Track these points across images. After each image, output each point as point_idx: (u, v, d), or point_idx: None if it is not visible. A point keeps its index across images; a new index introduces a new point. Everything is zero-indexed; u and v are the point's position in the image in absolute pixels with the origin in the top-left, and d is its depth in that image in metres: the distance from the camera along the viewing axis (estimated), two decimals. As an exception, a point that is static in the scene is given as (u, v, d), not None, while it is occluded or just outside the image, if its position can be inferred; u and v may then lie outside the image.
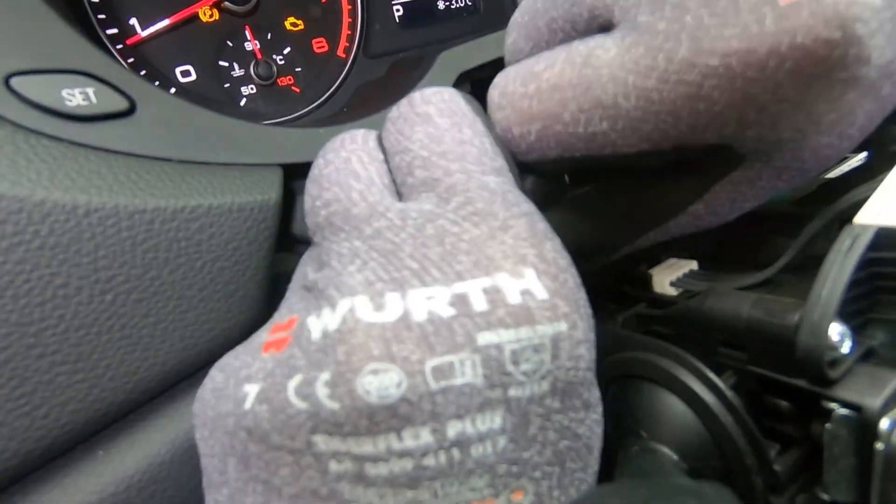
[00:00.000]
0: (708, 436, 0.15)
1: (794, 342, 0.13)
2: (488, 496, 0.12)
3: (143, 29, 0.30)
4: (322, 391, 0.11)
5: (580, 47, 0.14)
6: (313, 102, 0.36)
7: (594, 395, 0.13)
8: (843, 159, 0.30)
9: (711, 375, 0.15)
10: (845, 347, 0.13)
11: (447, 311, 0.11)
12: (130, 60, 0.30)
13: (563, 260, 0.13)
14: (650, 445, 0.15)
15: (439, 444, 0.11)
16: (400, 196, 0.15)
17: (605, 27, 0.14)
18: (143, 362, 0.16)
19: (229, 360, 0.14)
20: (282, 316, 0.14)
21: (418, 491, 0.11)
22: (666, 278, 0.19)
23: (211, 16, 0.32)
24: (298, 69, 0.35)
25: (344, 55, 0.37)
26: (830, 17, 0.11)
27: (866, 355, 0.13)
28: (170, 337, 0.16)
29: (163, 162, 0.17)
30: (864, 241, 0.13)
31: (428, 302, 0.11)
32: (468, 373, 0.11)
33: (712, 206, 0.16)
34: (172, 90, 0.31)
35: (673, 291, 0.19)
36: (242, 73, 0.33)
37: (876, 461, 0.12)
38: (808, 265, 0.16)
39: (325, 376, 0.11)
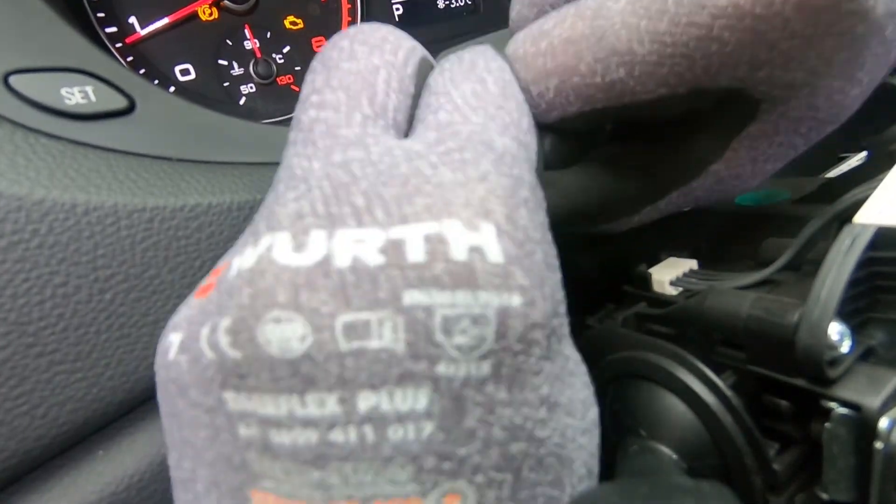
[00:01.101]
0: (707, 435, 0.15)
1: (794, 341, 0.13)
2: (413, 493, 0.10)
3: (142, 27, 0.30)
4: (224, 339, 0.10)
5: (588, 2, 0.14)
6: (313, 101, 0.36)
7: (567, 394, 0.11)
8: (843, 159, 0.30)
9: (711, 375, 0.15)
10: (845, 347, 0.13)
11: (375, 259, 0.10)
12: (130, 59, 0.30)
13: (539, 234, 0.11)
14: (649, 444, 0.15)
15: (348, 418, 0.09)
16: (406, 133, 0.13)
17: None
18: (143, 361, 0.16)
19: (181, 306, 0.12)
20: (225, 258, 0.12)
21: (325, 472, 0.10)
22: (666, 277, 0.19)
23: (210, 14, 0.32)
24: (298, 68, 0.35)
25: (343, 54, 0.37)
26: None
27: (865, 354, 0.13)
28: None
29: (162, 161, 0.17)
30: (864, 240, 0.13)
31: (356, 245, 0.10)
32: (387, 336, 0.09)
33: (733, 166, 0.16)
34: (172, 88, 0.31)
35: (673, 291, 0.19)
36: (242, 72, 0.33)
37: (875, 460, 0.12)
38: (808, 264, 0.16)
39: (226, 322, 0.10)
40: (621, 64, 0.13)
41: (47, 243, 0.14)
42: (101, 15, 0.29)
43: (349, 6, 0.37)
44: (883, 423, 0.12)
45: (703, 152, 0.16)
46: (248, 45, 0.33)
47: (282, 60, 0.35)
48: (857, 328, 0.13)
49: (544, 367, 0.10)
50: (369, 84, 0.13)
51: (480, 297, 0.10)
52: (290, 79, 0.35)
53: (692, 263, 0.20)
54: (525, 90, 0.15)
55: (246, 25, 0.33)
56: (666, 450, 0.15)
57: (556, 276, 0.11)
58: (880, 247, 0.13)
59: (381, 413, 0.09)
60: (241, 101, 0.34)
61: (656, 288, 0.19)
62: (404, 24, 0.39)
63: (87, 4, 0.28)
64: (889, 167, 0.16)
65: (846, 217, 0.15)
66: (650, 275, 0.19)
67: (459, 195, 0.10)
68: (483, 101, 0.13)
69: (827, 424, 0.12)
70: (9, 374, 0.14)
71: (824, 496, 0.13)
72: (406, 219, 0.10)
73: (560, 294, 0.11)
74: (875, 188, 0.14)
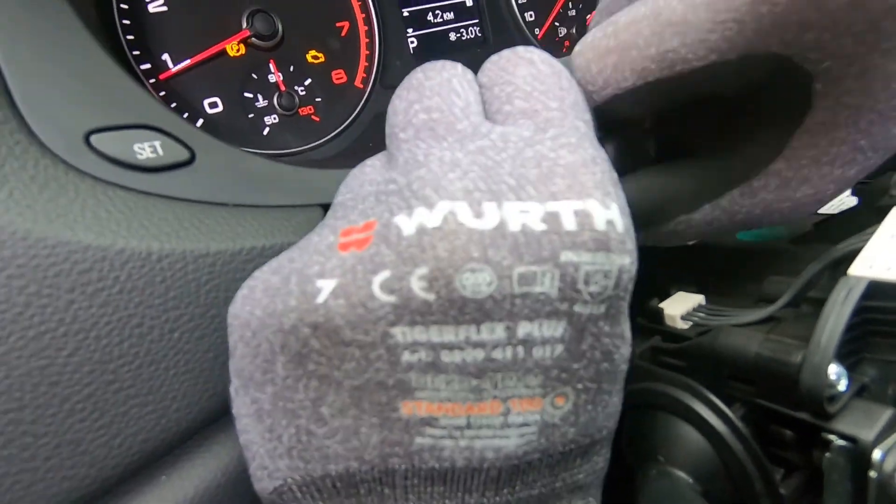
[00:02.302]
0: (719, 461, 0.16)
1: (798, 380, 0.15)
2: (538, 395, 0.13)
3: (174, 64, 0.31)
4: (417, 284, 0.12)
5: None
6: (333, 131, 0.37)
7: (628, 329, 0.15)
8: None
9: (722, 406, 0.16)
10: (842, 385, 0.15)
11: (539, 226, 0.12)
12: (162, 94, 0.31)
13: (628, 210, 0.14)
14: (667, 469, 0.17)
15: (509, 340, 0.13)
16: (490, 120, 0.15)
17: None
18: (204, 393, 0.17)
19: (283, 263, 0.14)
20: (349, 220, 0.14)
21: (482, 380, 0.13)
22: (677, 312, 0.21)
23: (238, 50, 0.34)
24: (318, 99, 0.37)
25: (361, 85, 0.39)
26: None
27: (860, 391, 0.15)
28: (226, 369, 0.18)
29: (219, 206, 0.19)
30: (858, 291, 0.15)
31: (522, 215, 0.12)
32: (546, 283, 0.12)
33: (795, 165, 0.16)
34: (200, 121, 0.33)
35: (683, 325, 0.20)
36: (266, 104, 0.35)
37: (870, 487, 0.13)
38: (806, 303, 0.18)
39: (421, 270, 0.12)
40: (675, 34, 0.14)
41: (126, 289, 0.15)
42: (136, 53, 0.31)
43: (367, 40, 0.38)
44: (876, 454, 0.13)
45: (761, 146, 0.16)
46: (272, 78, 0.35)
47: (303, 92, 0.36)
48: (852, 367, 0.15)
49: (626, 310, 0.14)
50: (451, 88, 0.16)
51: (611, 259, 0.13)
52: (311, 110, 0.37)
53: (700, 298, 0.21)
54: (586, 69, 0.16)
55: (271, 60, 0.35)
56: (682, 474, 0.17)
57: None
58: (872, 297, 0.15)
59: (532, 337, 0.13)
60: (265, 132, 0.35)
61: (668, 322, 0.21)
62: (419, 56, 0.41)
63: (124, 43, 0.30)
64: (877, 219, 0.18)
65: (840, 263, 0.17)
66: (662, 310, 0.21)
67: (588, 178, 0.13)
68: (545, 85, 0.15)
69: (827, 454, 0.14)
70: (92, 408, 0.15)
71: (825, 518, 0.14)
72: (556, 196, 0.13)
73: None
74: (865, 241, 0.16)
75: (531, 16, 0.46)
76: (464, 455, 0.13)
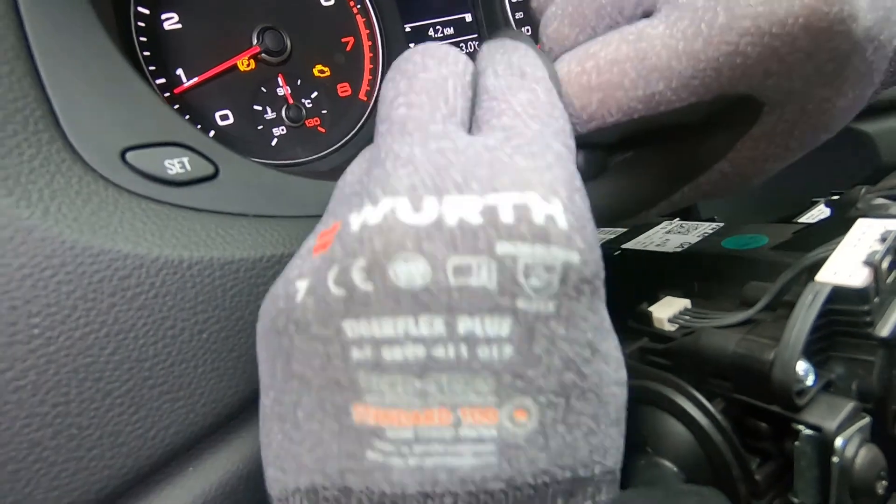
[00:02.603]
0: (701, 451, 0.18)
1: (770, 376, 0.16)
2: (491, 404, 0.12)
3: (188, 79, 0.33)
4: (357, 275, 0.12)
5: (630, 28, 0.17)
6: (338, 142, 0.39)
7: (604, 346, 0.14)
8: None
9: (704, 401, 0.18)
10: (809, 380, 0.16)
11: (476, 220, 0.12)
12: (176, 107, 0.33)
13: (588, 216, 0.14)
14: (654, 459, 0.19)
15: (450, 336, 0.12)
16: (470, 124, 0.16)
17: (648, 13, 0.17)
18: (229, 389, 0.19)
19: (286, 269, 0.15)
20: (326, 223, 0.15)
21: (425, 382, 0.12)
22: (664, 315, 0.22)
23: (248, 65, 0.35)
24: (324, 111, 0.38)
25: (365, 98, 0.40)
26: (823, 15, 0.15)
27: (826, 386, 0.17)
28: (249, 367, 0.19)
29: (241, 217, 0.20)
30: (823, 295, 0.16)
31: (460, 209, 0.12)
32: (483, 276, 0.12)
33: (736, 164, 0.19)
34: (212, 133, 0.34)
35: (670, 327, 0.22)
36: (275, 116, 0.36)
37: (833, 472, 0.15)
38: (781, 307, 0.20)
39: (360, 262, 0.12)
40: (661, 78, 0.16)
41: (161, 294, 0.17)
42: (152, 68, 0.32)
43: (371, 55, 0.40)
44: (838, 442, 0.15)
45: (710, 153, 0.19)
46: (280, 91, 0.37)
47: (310, 105, 0.38)
48: (819, 364, 0.17)
49: (589, 317, 0.13)
50: (443, 90, 0.16)
51: (552, 252, 0.12)
52: (317, 121, 0.38)
53: (686, 302, 0.23)
54: (568, 104, 0.17)
55: (280, 74, 0.36)
56: (667, 463, 0.18)
57: (598, 249, 0.14)
58: (836, 301, 0.17)
59: (475, 335, 0.12)
60: (274, 143, 0.37)
61: (656, 325, 0.22)
62: (420, 69, 0.42)
63: (141, 59, 0.31)
64: (845, 229, 0.19)
65: (810, 270, 0.18)
66: (651, 313, 0.23)
67: (534, 177, 0.13)
68: (537, 110, 0.16)
69: (796, 443, 0.16)
70: (130, 403, 0.17)
71: (795, 500, 0.16)
72: (497, 189, 0.13)
73: (601, 262, 0.14)
74: (832, 251, 0.18)
75: (528, 30, 0.48)
76: (414, 478, 0.12)
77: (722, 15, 0.15)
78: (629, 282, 0.26)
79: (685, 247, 0.28)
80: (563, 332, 0.13)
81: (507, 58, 0.17)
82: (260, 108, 0.36)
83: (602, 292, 0.14)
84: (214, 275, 0.18)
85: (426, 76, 0.16)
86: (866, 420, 0.16)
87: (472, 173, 0.13)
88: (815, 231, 0.24)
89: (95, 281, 0.16)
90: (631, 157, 0.21)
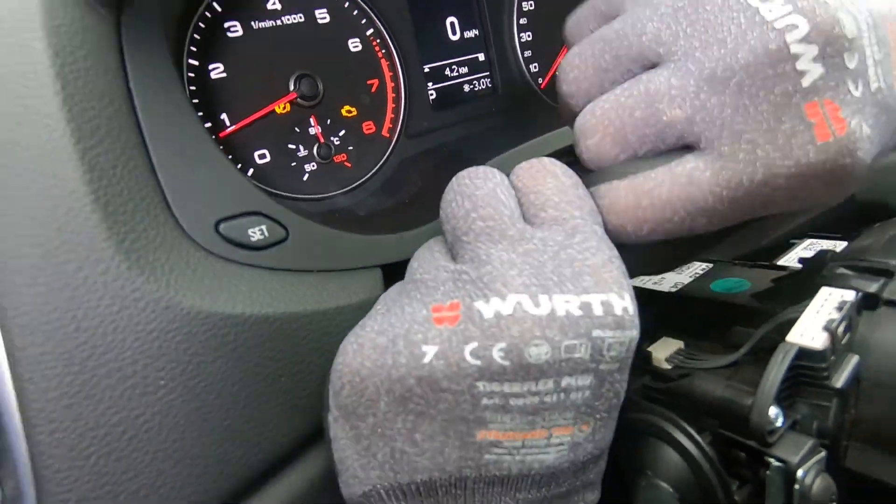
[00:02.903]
0: (692, 476, 0.22)
1: (748, 418, 0.20)
2: (570, 424, 0.19)
3: (231, 123, 0.36)
4: (497, 354, 0.17)
5: (678, 169, 0.19)
6: (363, 176, 0.42)
7: (627, 377, 0.20)
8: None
9: (695, 434, 0.22)
10: (779, 422, 0.20)
11: (577, 312, 0.18)
12: (221, 148, 0.36)
13: (633, 294, 0.19)
14: (654, 482, 0.23)
15: (556, 389, 0.18)
16: (527, 223, 0.20)
17: (689, 147, 0.20)
18: (301, 421, 0.22)
19: (384, 327, 0.19)
20: (439, 300, 0.19)
21: (535, 416, 0.18)
22: (662, 355, 0.27)
23: (284, 108, 0.38)
24: (350, 148, 0.42)
25: (388, 135, 0.44)
26: (844, 150, 0.18)
27: (793, 425, 0.21)
28: (315, 401, 0.23)
29: (308, 273, 0.24)
30: (791, 354, 0.20)
31: (566, 304, 0.18)
32: (582, 351, 0.18)
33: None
34: (251, 171, 0.38)
35: (667, 365, 0.26)
36: (307, 154, 0.40)
37: (795, 496, 0.19)
38: (761, 352, 0.24)
39: (500, 345, 0.17)
40: (704, 216, 0.20)
41: (252, 345, 0.20)
42: (200, 114, 0.35)
43: (393, 95, 0.43)
44: (799, 472, 0.19)
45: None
46: (312, 131, 0.40)
47: (338, 142, 0.41)
48: (787, 407, 0.21)
49: (629, 364, 0.19)
50: (498, 199, 0.20)
51: (625, 333, 0.18)
52: (344, 157, 0.42)
53: (680, 344, 0.27)
54: (622, 227, 0.21)
55: (312, 116, 0.40)
56: (664, 485, 0.23)
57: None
58: (801, 358, 0.21)
59: (570, 386, 0.18)
60: (305, 178, 0.40)
61: (655, 363, 0.26)
62: (437, 106, 0.46)
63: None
64: (812, 290, 0.23)
65: (782, 328, 0.23)
66: (651, 353, 0.27)
67: (608, 276, 0.18)
68: (568, 196, 0.21)
69: (768, 472, 0.20)
70: (229, 434, 0.20)
71: (766, 517, 0.20)
72: (587, 290, 0.18)
73: None
74: (801, 313, 0.22)
75: (535, 67, 0.51)
76: (518, 466, 0.19)
77: (760, 172, 0.18)
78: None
79: (679, 287, 0.32)
80: (620, 377, 0.19)
81: (531, 162, 0.22)
82: (294, 146, 0.39)
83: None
84: (291, 326, 0.22)
85: (481, 193, 0.21)
86: (822, 454, 0.20)
87: (562, 274, 0.18)
88: (787, 284, 0.28)
89: (204, 339, 0.19)
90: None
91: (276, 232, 0.23)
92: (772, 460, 0.20)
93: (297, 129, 0.39)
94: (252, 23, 0.37)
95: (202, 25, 0.35)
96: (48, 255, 0.17)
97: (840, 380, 0.20)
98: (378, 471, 0.19)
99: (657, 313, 0.30)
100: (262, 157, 0.38)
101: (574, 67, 0.22)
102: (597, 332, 0.18)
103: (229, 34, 0.36)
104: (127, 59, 0.20)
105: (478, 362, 0.18)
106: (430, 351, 0.18)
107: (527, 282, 0.18)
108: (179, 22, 0.31)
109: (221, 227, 0.21)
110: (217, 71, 0.35)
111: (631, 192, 0.20)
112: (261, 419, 0.21)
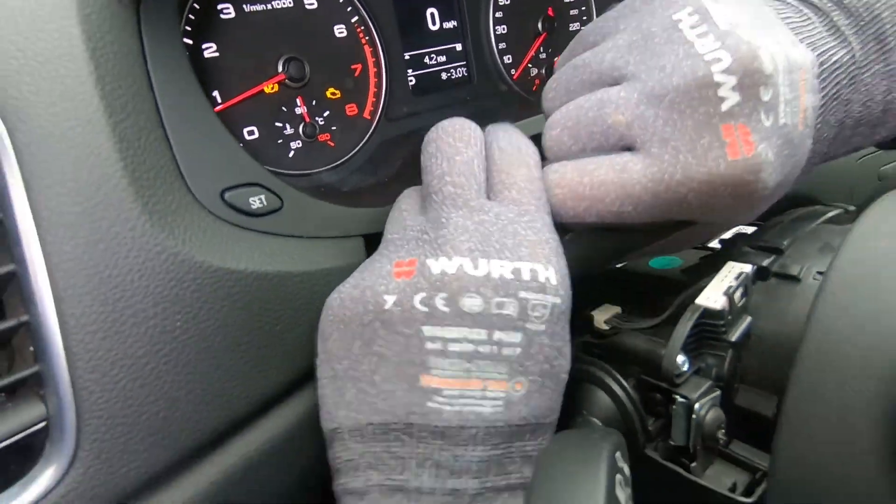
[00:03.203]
0: (618, 413, 0.27)
1: (661, 365, 0.25)
2: (504, 379, 0.21)
3: (222, 101, 0.39)
4: (439, 302, 0.21)
5: (617, 159, 0.23)
6: (345, 155, 0.46)
7: (565, 350, 0.23)
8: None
9: (622, 380, 0.27)
10: (685, 367, 0.25)
11: (509, 276, 0.21)
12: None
13: (566, 273, 0.23)
14: (587, 418, 0.28)
15: (488, 340, 0.21)
16: (488, 190, 0.24)
17: (627, 147, 0.24)
18: (293, 362, 0.26)
19: (358, 281, 0.23)
20: (400, 254, 0.23)
21: (470, 364, 0.21)
22: (602, 317, 0.31)
23: (273, 88, 0.41)
24: (334, 128, 0.45)
25: (369, 117, 0.47)
26: (750, 169, 0.21)
27: (697, 371, 0.26)
28: (307, 346, 0.27)
29: (299, 238, 0.27)
30: (697, 313, 0.25)
31: (500, 268, 0.21)
32: (511, 309, 0.21)
33: (672, 241, 0.27)
34: (241, 145, 0.40)
35: (605, 327, 0.31)
36: (292, 132, 0.43)
37: (692, 425, 0.24)
38: (678, 317, 0.29)
39: (443, 294, 0.21)
40: (631, 203, 0.23)
41: (255, 298, 0.24)
42: (194, 91, 0.37)
43: (375, 80, 0.46)
44: (696, 406, 0.24)
45: (652, 236, 0.26)
46: (298, 111, 0.43)
47: (322, 122, 0.44)
48: (694, 357, 0.26)
49: (561, 333, 0.23)
50: (471, 171, 0.24)
51: (548, 298, 0.22)
52: (328, 137, 0.45)
53: (617, 309, 0.32)
54: (563, 202, 0.25)
55: (299, 97, 0.42)
56: (596, 421, 0.27)
57: (571, 294, 0.23)
58: (706, 317, 0.26)
59: (502, 341, 0.21)
60: (290, 155, 0.43)
61: (596, 324, 0.31)
62: (417, 91, 0.49)
63: (186, 84, 0.37)
64: (719, 267, 0.28)
65: (695, 295, 0.27)
66: (593, 316, 0.31)
67: (539, 251, 0.22)
68: (533, 185, 0.25)
69: (674, 407, 0.25)
70: (233, 369, 0.24)
71: (672, 443, 0.25)
72: (521, 258, 0.22)
73: (571, 302, 0.23)
74: (709, 283, 0.27)
75: (508, 59, 0.55)
76: (456, 417, 0.21)
77: (679, 173, 0.22)
78: (579, 288, 0.35)
79: (623, 263, 0.37)
80: (548, 342, 0.22)
81: (508, 136, 0.26)
82: (280, 125, 0.42)
83: (568, 317, 0.23)
84: (287, 283, 0.26)
85: (460, 159, 0.24)
86: (717, 393, 0.25)
87: (504, 244, 0.22)
88: (709, 261, 0.33)
89: (213, 290, 0.23)
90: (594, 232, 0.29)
91: (273, 201, 0.26)
92: (677, 398, 0.25)
93: (284, 108, 0.42)
94: (244, 6, 0.39)
95: (197, 6, 0.37)
96: (86, 213, 0.20)
97: (734, 335, 0.26)
98: (345, 410, 0.23)
99: (602, 284, 0.35)
100: (250, 133, 0.41)
101: (552, 90, 0.28)
102: (523, 294, 0.21)
103: (222, 16, 0.38)
104: (145, 42, 0.23)
105: (425, 308, 0.21)
106: (389, 300, 0.22)
107: (472, 247, 0.22)
108: (176, 3, 0.33)
109: (226, 195, 0.25)
110: (210, 50, 0.38)
111: (576, 171, 0.25)
112: (259, 361, 0.25)
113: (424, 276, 0.22)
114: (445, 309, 0.21)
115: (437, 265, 0.22)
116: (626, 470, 0.20)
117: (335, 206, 0.30)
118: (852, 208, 0.34)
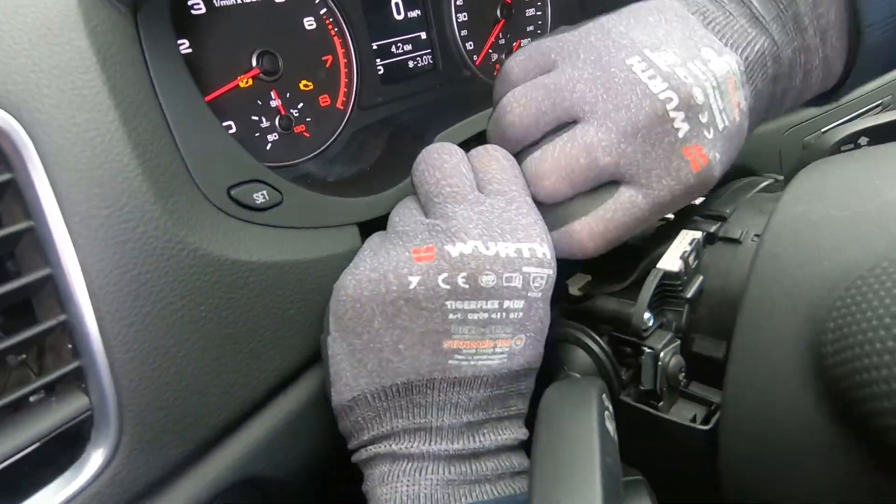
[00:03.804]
0: (594, 366, 0.31)
1: (630, 322, 0.29)
2: (507, 337, 0.26)
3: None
4: (461, 280, 0.25)
5: (621, 200, 0.28)
6: (321, 146, 0.47)
7: (550, 312, 0.28)
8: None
9: (597, 338, 0.31)
10: (650, 323, 0.30)
11: (513, 254, 0.25)
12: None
13: (553, 246, 0.28)
14: (568, 373, 0.32)
15: (500, 308, 0.25)
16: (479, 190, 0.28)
17: (613, 180, 0.28)
18: (304, 344, 0.29)
19: (375, 266, 0.26)
20: (416, 242, 0.26)
21: (485, 329, 0.26)
22: (575, 285, 0.35)
23: (247, 83, 0.42)
24: (309, 119, 0.46)
25: (342, 107, 0.48)
26: (708, 172, 0.27)
27: (661, 325, 0.31)
28: (315, 330, 0.29)
29: (300, 229, 0.29)
30: (659, 276, 0.30)
31: (506, 248, 0.25)
32: (517, 282, 0.25)
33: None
34: (220, 141, 0.41)
35: (579, 293, 0.35)
36: (269, 125, 0.44)
37: (658, 371, 0.29)
38: (643, 280, 0.33)
39: (463, 274, 0.25)
40: (641, 228, 0.29)
41: (263, 285, 0.26)
42: (170, 88, 0.38)
43: (346, 70, 0.48)
44: (661, 354, 0.29)
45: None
46: (273, 104, 0.44)
47: (297, 114, 0.46)
48: (657, 314, 0.30)
49: (550, 297, 0.27)
50: (461, 172, 0.28)
51: (545, 270, 0.26)
52: (303, 128, 0.46)
53: (588, 277, 0.36)
54: (597, 251, 0.30)
55: (273, 90, 0.44)
56: (577, 375, 0.31)
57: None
58: (666, 278, 0.30)
59: (510, 308, 0.26)
60: (268, 147, 0.44)
61: (570, 292, 0.35)
62: (385, 80, 0.51)
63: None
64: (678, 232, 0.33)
65: (655, 260, 0.32)
66: (567, 285, 0.35)
67: (533, 232, 0.27)
68: (508, 174, 0.29)
69: (642, 357, 0.29)
70: (249, 352, 0.26)
71: (642, 387, 0.30)
72: (520, 240, 0.26)
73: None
74: (668, 249, 0.31)
75: (470, 45, 0.58)
76: (472, 370, 0.26)
77: (666, 193, 0.28)
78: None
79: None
80: (543, 306, 0.27)
81: (486, 148, 0.30)
82: (257, 118, 0.43)
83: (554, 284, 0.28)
84: (293, 270, 0.28)
85: (448, 165, 0.28)
86: (677, 343, 0.29)
87: (504, 228, 0.26)
88: (666, 229, 0.37)
89: (230, 280, 0.25)
90: None
91: (274, 196, 0.28)
92: (645, 349, 0.29)
93: (259, 101, 0.43)
94: (214, 1, 0.39)
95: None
96: (112, 216, 0.21)
97: (690, 292, 0.30)
98: (366, 378, 0.26)
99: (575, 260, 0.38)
100: (227, 127, 0.42)
101: (519, 105, 0.30)
102: (526, 269, 0.26)
103: (193, 11, 0.39)
104: (145, 48, 0.24)
105: (447, 286, 0.25)
106: (414, 280, 0.25)
107: (481, 233, 0.26)
108: (169, 8, 0.34)
109: (233, 192, 0.27)
110: (183, 47, 0.38)
111: (600, 223, 0.29)
112: (276, 343, 0.27)
113: (445, 259, 0.25)
114: (465, 286, 0.25)
115: (455, 249, 0.25)
116: (611, 408, 0.24)
117: (329, 198, 0.32)
118: (780, 178, 0.40)
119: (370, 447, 0.27)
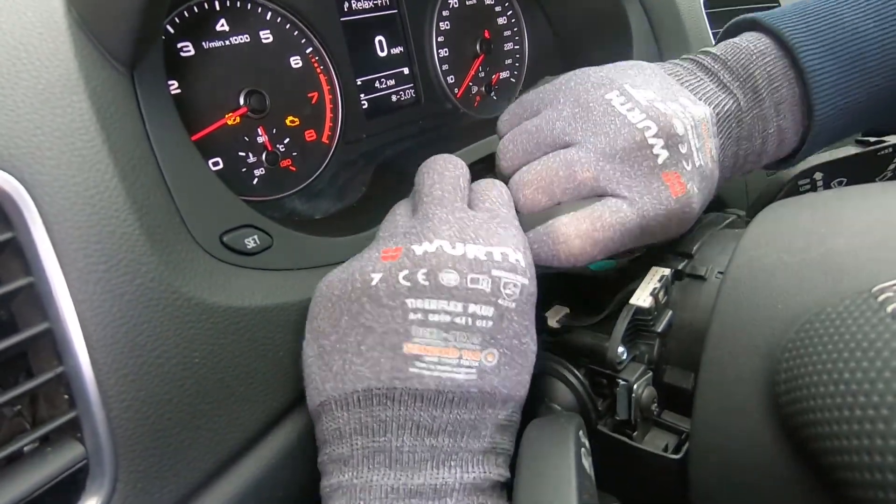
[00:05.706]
0: (574, 398, 0.33)
1: (605, 356, 0.31)
2: (477, 349, 0.24)
3: (190, 135, 0.40)
4: (420, 277, 0.24)
5: (609, 203, 0.28)
6: (307, 179, 0.48)
7: (531, 330, 0.26)
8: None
9: (575, 371, 0.33)
10: (624, 357, 0.31)
11: (483, 257, 0.25)
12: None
13: (531, 261, 0.27)
14: (550, 405, 0.33)
15: (464, 312, 0.24)
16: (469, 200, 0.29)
17: (566, 146, 0.29)
18: (290, 382, 0.29)
19: (346, 268, 0.26)
20: (389, 245, 0.26)
21: (448, 334, 0.24)
22: (554, 317, 0.37)
23: (235, 120, 0.43)
24: (294, 154, 0.47)
25: (328, 141, 0.50)
26: (686, 201, 0.29)
27: (634, 358, 0.32)
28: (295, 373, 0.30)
29: (288, 270, 0.30)
30: (631, 312, 0.31)
31: (475, 250, 0.25)
32: (484, 285, 0.24)
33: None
34: (208, 178, 0.42)
35: (557, 325, 0.37)
36: (255, 160, 0.45)
37: (632, 402, 0.30)
38: (617, 314, 0.35)
39: (423, 271, 0.24)
40: (629, 238, 0.30)
41: (254, 329, 0.27)
42: (159, 127, 0.39)
43: (331, 105, 0.49)
44: (635, 386, 0.30)
45: None
46: (260, 139, 0.45)
47: (283, 149, 0.47)
48: (630, 347, 0.32)
49: (529, 312, 0.26)
50: (457, 184, 0.29)
51: (517, 277, 0.25)
52: (289, 162, 0.47)
53: (566, 309, 0.38)
54: (582, 251, 0.30)
55: (260, 126, 0.45)
56: (557, 407, 0.33)
57: (535, 278, 0.28)
58: (638, 314, 0.32)
59: (476, 314, 0.24)
60: (255, 182, 0.45)
61: (549, 324, 0.37)
62: (369, 115, 0.52)
63: (152, 122, 0.38)
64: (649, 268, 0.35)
65: (628, 296, 0.34)
66: (546, 317, 0.37)
67: (509, 239, 0.26)
68: (502, 201, 0.30)
69: (618, 389, 0.31)
70: (238, 394, 0.27)
71: (618, 417, 0.31)
72: (492, 244, 0.26)
73: (536, 285, 0.27)
74: (639, 286, 0.33)
75: (451, 79, 0.60)
76: (434, 381, 0.24)
77: (649, 209, 0.29)
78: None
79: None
80: (517, 318, 0.26)
81: (491, 180, 0.32)
82: (244, 154, 0.44)
83: (534, 303, 0.28)
84: (281, 314, 0.29)
85: (448, 175, 0.29)
86: (649, 374, 0.31)
87: (479, 234, 0.26)
88: (638, 264, 0.40)
89: (224, 326, 0.26)
90: None
91: (264, 240, 0.29)
92: (620, 381, 0.31)
93: (246, 138, 0.44)
94: (203, 43, 0.41)
95: (160, 48, 0.38)
96: (111, 270, 0.22)
97: (660, 326, 0.32)
98: (332, 382, 0.25)
99: (550, 287, 0.40)
100: (215, 164, 0.43)
101: (508, 151, 0.32)
102: (496, 272, 0.25)
103: (182, 54, 0.40)
104: (141, 102, 0.25)
105: (407, 283, 0.25)
106: (376, 277, 0.25)
107: (451, 234, 0.26)
108: (164, 61, 0.35)
109: (225, 238, 0.28)
110: (173, 87, 0.39)
111: (586, 220, 0.29)
112: (267, 384, 0.28)
113: (409, 257, 0.25)
114: (425, 283, 0.24)
115: (421, 248, 0.25)
116: (587, 444, 0.26)
117: (317, 238, 0.33)
118: (743, 213, 0.42)
119: (331, 478, 0.25)
